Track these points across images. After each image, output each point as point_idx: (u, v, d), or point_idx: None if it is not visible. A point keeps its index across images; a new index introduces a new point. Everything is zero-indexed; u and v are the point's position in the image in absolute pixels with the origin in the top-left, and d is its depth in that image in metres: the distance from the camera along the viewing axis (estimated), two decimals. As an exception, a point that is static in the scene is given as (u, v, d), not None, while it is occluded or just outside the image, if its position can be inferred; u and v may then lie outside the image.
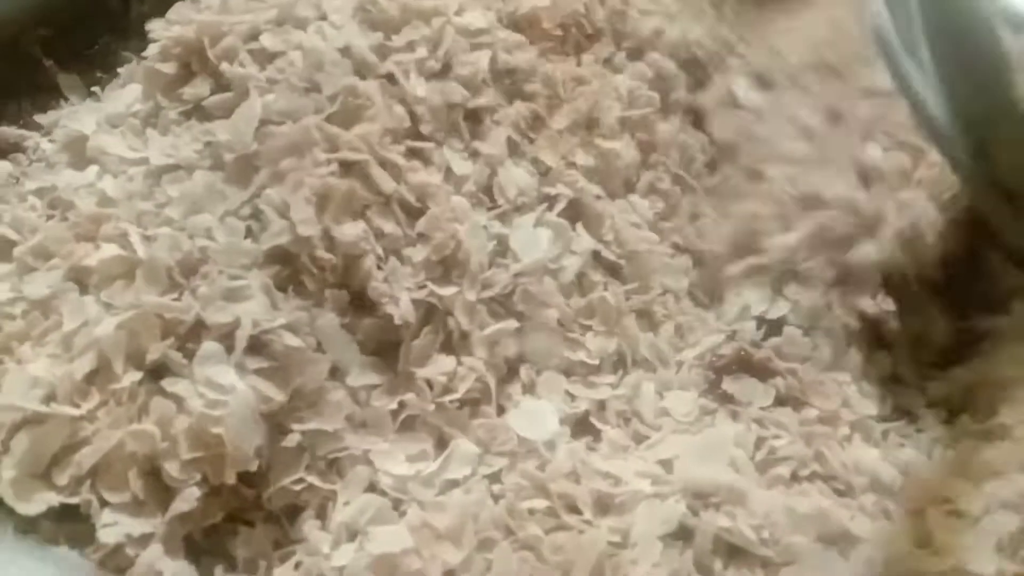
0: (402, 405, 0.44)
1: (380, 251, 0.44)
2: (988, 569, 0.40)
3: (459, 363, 0.45)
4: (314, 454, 0.41)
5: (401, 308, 0.44)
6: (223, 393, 0.40)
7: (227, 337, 0.41)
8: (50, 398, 0.39)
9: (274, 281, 0.43)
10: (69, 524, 0.38)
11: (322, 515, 0.41)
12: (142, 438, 0.38)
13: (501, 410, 0.46)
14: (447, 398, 0.44)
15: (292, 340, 0.41)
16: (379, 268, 0.44)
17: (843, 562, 0.41)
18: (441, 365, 0.45)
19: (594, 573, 0.39)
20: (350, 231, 0.44)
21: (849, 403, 0.48)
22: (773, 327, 0.50)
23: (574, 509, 0.42)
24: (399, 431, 0.44)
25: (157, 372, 0.40)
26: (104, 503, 0.38)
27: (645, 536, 0.40)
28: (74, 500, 0.37)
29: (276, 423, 0.41)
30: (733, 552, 0.41)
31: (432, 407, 0.44)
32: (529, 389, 0.46)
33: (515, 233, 0.48)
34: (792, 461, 0.45)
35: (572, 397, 0.46)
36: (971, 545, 0.41)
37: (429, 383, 0.44)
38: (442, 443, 0.44)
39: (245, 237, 0.43)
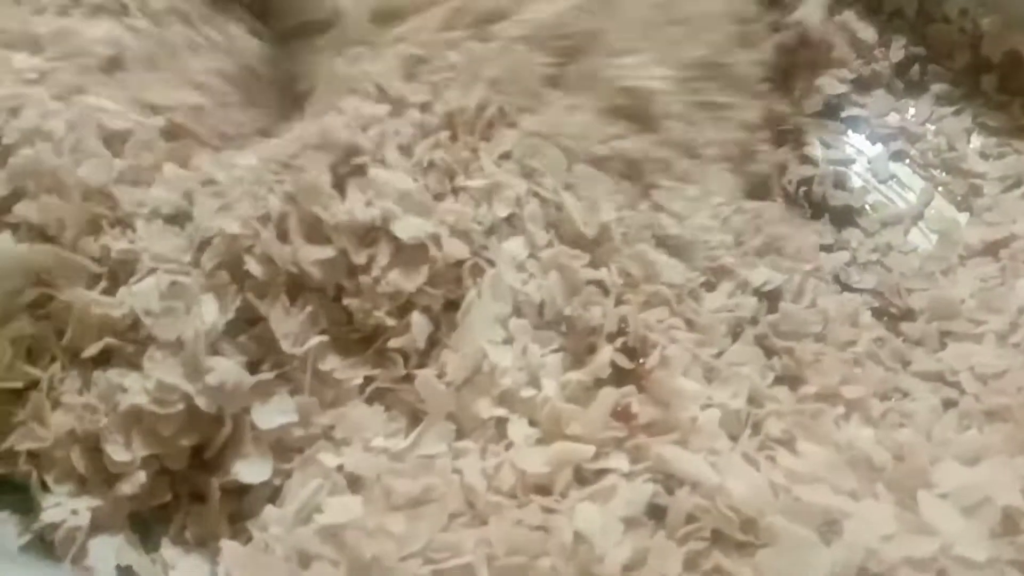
0: (370, 379, 0.43)
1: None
2: (980, 555, 0.38)
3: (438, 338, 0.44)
4: (272, 436, 0.40)
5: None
6: (171, 394, 0.38)
7: (175, 343, 0.39)
8: None
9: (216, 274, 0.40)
10: (9, 495, 0.37)
11: (278, 491, 0.40)
12: (85, 417, 0.38)
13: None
14: (422, 372, 0.43)
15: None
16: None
17: (823, 547, 0.39)
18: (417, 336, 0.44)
19: (558, 554, 0.38)
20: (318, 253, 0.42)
21: (848, 381, 0.46)
22: (771, 302, 0.48)
23: (543, 488, 0.40)
24: (371, 407, 0.42)
25: (101, 361, 0.39)
26: (46, 485, 0.37)
27: (614, 516, 0.39)
28: (11, 471, 0.37)
29: (231, 412, 0.40)
30: (707, 533, 0.39)
31: (404, 381, 0.43)
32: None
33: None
34: (783, 439, 0.43)
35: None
36: (963, 529, 0.39)
37: (404, 355, 0.43)
38: (416, 420, 0.43)
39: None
